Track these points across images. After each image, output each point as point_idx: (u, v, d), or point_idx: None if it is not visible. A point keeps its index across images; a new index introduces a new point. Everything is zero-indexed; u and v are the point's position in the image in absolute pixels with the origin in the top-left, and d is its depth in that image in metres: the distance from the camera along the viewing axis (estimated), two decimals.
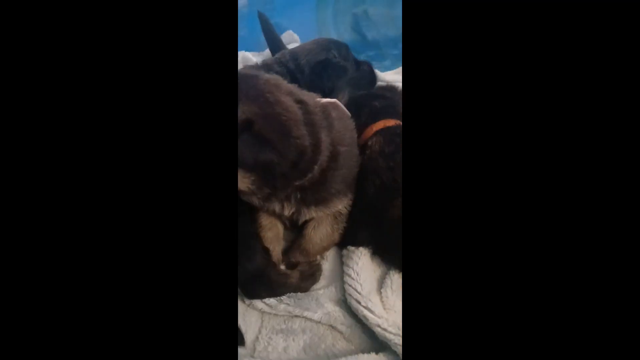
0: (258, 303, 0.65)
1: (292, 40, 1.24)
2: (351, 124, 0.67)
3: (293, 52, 0.77)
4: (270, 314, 0.65)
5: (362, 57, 1.53)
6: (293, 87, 0.58)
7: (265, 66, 0.74)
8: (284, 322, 0.65)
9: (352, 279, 0.65)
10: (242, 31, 1.38)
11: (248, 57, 1.12)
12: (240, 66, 1.03)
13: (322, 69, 0.75)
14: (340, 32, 1.59)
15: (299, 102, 0.54)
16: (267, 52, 1.24)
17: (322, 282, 0.70)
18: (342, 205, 0.64)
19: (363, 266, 0.67)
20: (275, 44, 1.06)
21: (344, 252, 0.71)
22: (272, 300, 0.65)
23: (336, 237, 0.68)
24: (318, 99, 0.61)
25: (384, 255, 0.68)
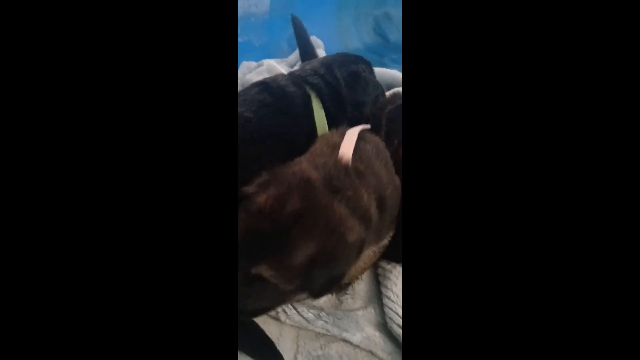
0: (295, 316, 0.62)
1: (316, 45, 1.21)
2: (383, 148, 0.64)
3: (324, 63, 0.75)
4: (305, 338, 0.62)
5: (385, 61, 1.50)
6: (312, 160, 0.54)
7: (299, 78, 0.71)
8: (320, 347, 0.61)
9: (392, 301, 0.62)
10: (264, 38, 1.37)
11: (272, 65, 1.09)
12: (264, 74, 1.01)
13: (354, 80, 0.73)
14: (362, 35, 1.57)
15: (329, 179, 0.51)
16: (290, 59, 1.21)
17: (359, 302, 0.66)
18: (387, 239, 0.62)
19: (402, 287, 0.64)
20: (306, 49, 1.05)
21: (379, 270, 0.67)
22: (310, 315, 0.62)
23: (377, 258, 0.65)
24: (349, 132, 0.59)
25: None
